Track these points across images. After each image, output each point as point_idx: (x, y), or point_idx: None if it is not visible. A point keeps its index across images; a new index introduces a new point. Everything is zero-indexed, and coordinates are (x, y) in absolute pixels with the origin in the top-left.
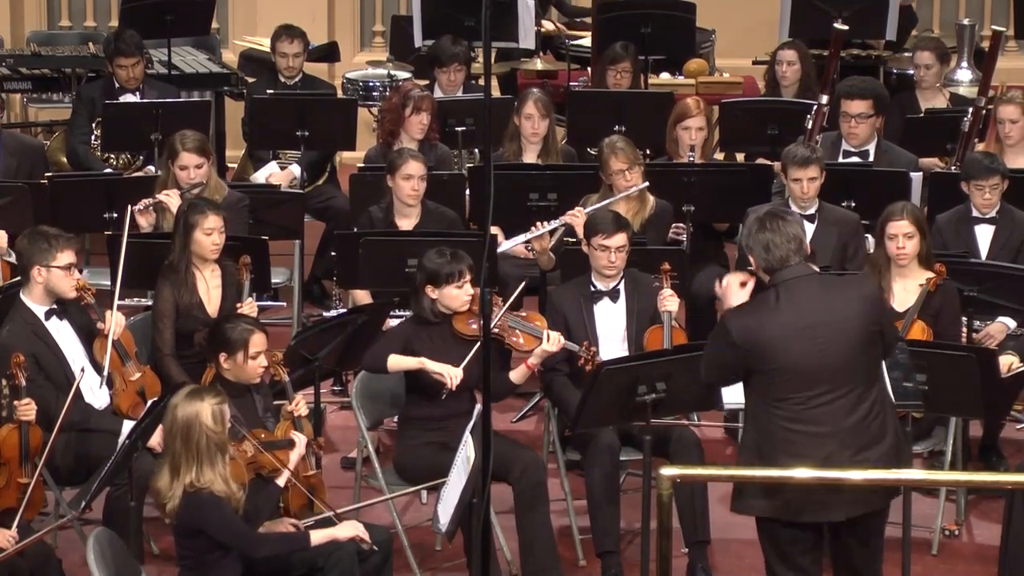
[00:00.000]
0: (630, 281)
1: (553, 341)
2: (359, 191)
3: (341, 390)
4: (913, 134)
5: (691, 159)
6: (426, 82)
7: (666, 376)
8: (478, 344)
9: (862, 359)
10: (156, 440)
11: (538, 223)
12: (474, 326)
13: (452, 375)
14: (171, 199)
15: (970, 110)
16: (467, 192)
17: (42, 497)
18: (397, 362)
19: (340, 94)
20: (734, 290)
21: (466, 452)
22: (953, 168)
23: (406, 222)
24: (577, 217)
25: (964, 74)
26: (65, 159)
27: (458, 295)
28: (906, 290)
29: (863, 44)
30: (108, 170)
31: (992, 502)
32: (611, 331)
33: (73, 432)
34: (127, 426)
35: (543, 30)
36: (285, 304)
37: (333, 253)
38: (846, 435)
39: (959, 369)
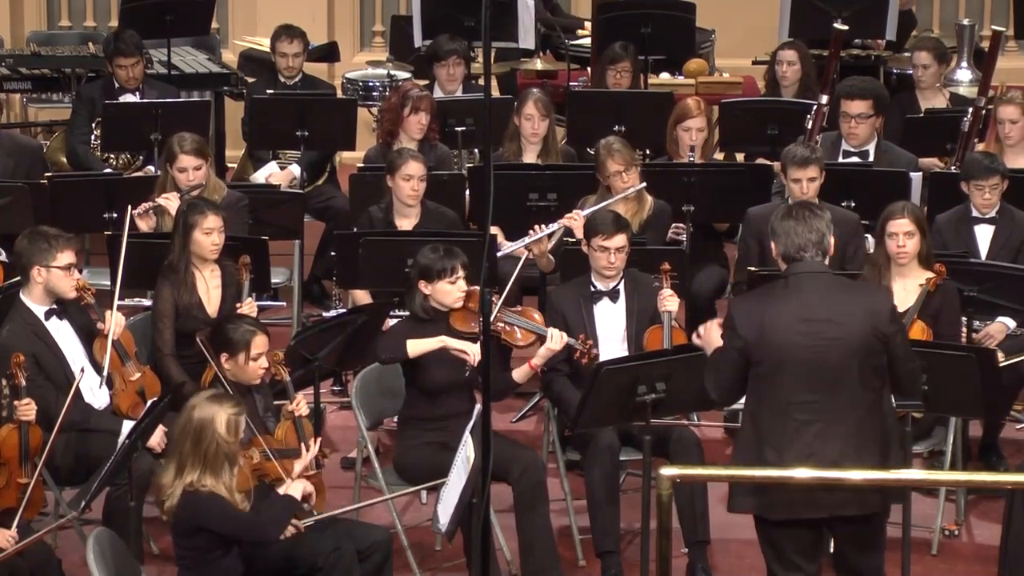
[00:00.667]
0: (630, 281)
1: (556, 339)
2: (359, 191)
3: (341, 390)
4: (913, 134)
5: (691, 159)
6: (426, 82)
7: (666, 376)
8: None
9: (861, 365)
10: (156, 440)
11: (536, 227)
12: (472, 324)
13: (473, 352)
14: (170, 202)
15: (970, 110)
16: (467, 192)
17: (42, 497)
18: (417, 346)
19: (340, 94)
20: (715, 333)
21: (466, 452)
22: (953, 168)
23: (406, 222)
24: (575, 220)
25: (964, 74)
26: (65, 159)
27: (451, 291)
28: (906, 290)
29: (863, 44)
30: (108, 170)
31: (992, 502)
32: (611, 331)
33: (73, 432)
34: (127, 426)
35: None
36: (285, 304)
37: (333, 253)
38: (835, 437)
39: (959, 369)
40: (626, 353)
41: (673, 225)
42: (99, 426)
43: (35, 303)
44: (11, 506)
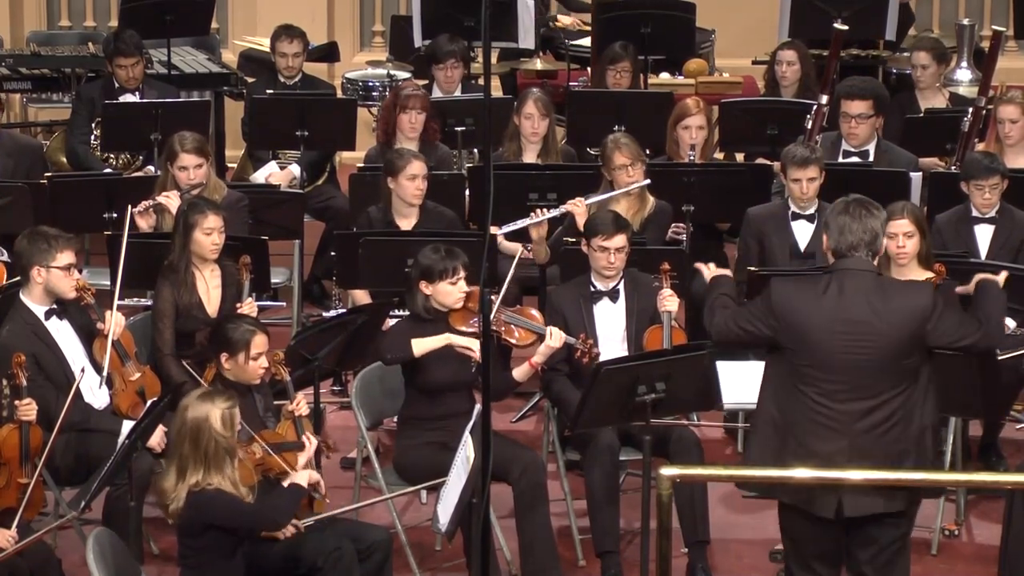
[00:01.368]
0: (630, 281)
1: (556, 337)
2: (359, 191)
3: (341, 390)
4: (913, 134)
5: (691, 159)
6: (425, 82)
7: (666, 376)
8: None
9: (893, 366)
10: (156, 440)
11: (539, 210)
12: (473, 323)
13: (479, 348)
14: (171, 200)
15: (970, 110)
16: (467, 192)
17: (42, 497)
18: (423, 345)
19: (340, 94)
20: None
21: (466, 452)
22: (954, 168)
23: (405, 222)
24: (578, 207)
25: (964, 74)
26: (65, 159)
27: (451, 291)
28: None
29: (863, 44)
30: (108, 170)
31: (992, 502)
32: (611, 331)
33: (73, 432)
34: (127, 426)
35: (559, 24)
36: (285, 304)
37: (333, 253)
38: (855, 436)
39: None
40: (626, 353)
41: (673, 225)
42: (99, 426)
43: (35, 303)
44: (11, 506)
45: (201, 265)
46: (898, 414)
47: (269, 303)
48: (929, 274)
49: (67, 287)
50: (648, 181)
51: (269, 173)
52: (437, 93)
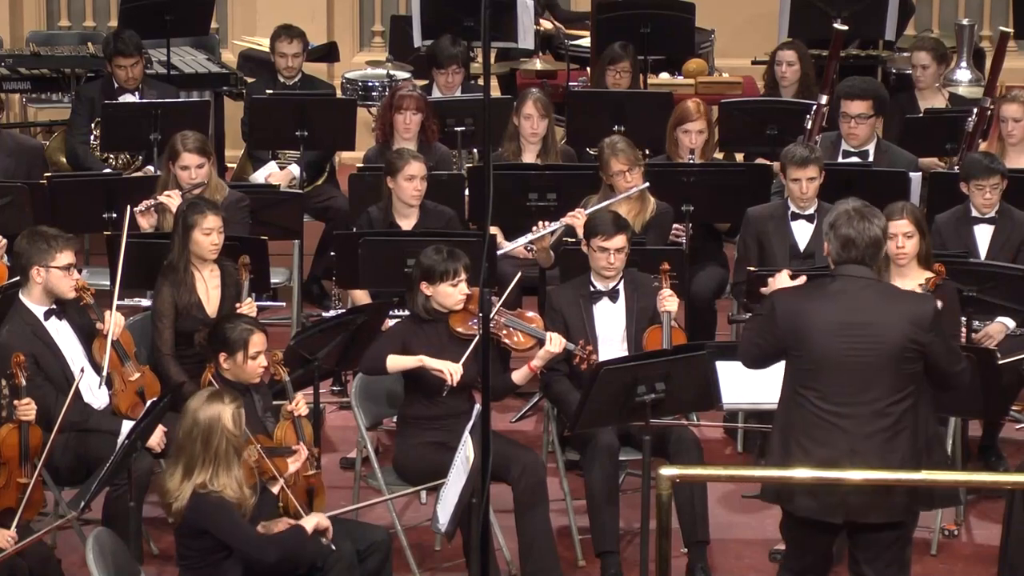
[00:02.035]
0: (629, 281)
1: (556, 343)
2: (358, 191)
3: (340, 390)
4: (913, 134)
5: (691, 161)
6: (425, 82)
7: (665, 376)
8: (475, 340)
9: (895, 371)
10: (156, 440)
11: (540, 223)
12: (471, 325)
13: (452, 371)
14: (172, 200)
15: (975, 110)
16: (466, 192)
17: (42, 497)
18: (396, 362)
19: (339, 94)
20: (782, 283)
21: (465, 452)
22: (955, 168)
23: (405, 222)
24: (578, 218)
25: (963, 74)
26: (64, 159)
27: (452, 293)
28: None
29: (863, 44)
30: (107, 170)
31: (992, 502)
32: (610, 331)
33: (72, 432)
34: (126, 426)
35: (541, 29)
36: (284, 304)
37: (332, 253)
38: (859, 441)
39: None
40: (625, 353)
41: (673, 226)
42: (99, 426)
43: (34, 303)
44: (11, 506)
45: (200, 265)
46: (904, 422)
47: (268, 303)
48: (929, 274)
49: (66, 287)
50: (647, 184)
51: (269, 173)
52: (436, 93)
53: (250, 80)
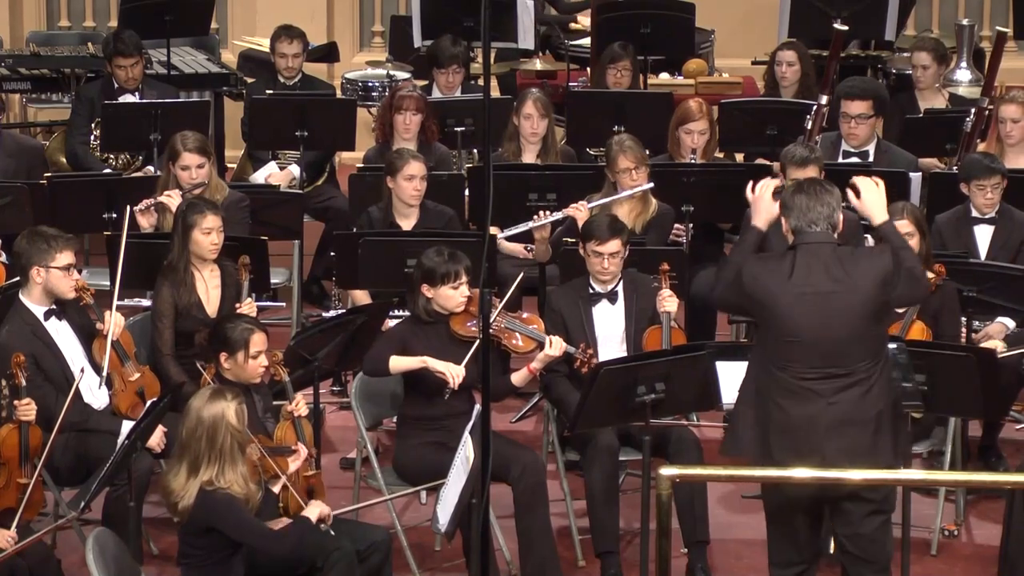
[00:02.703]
0: (629, 282)
1: (556, 346)
2: (358, 191)
3: (340, 390)
4: (913, 134)
5: (692, 161)
6: (425, 82)
7: (665, 376)
8: (476, 343)
9: (869, 334)
10: (155, 440)
11: (541, 212)
12: (472, 327)
13: (455, 373)
14: (172, 200)
15: (973, 110)
16: (466, 192)
17: (42, 497)
18: (399, 363)
19: (339, 94)
20: (764, 200)
21: (465, 452)
22: (955, 168)
23: (405, 222)
24: (580, 211)
25: (963, 74)
26: (64, 159)
27: (453, 296)
28: None
29: (863, 44)
30: (107, 170)
31: (992, 502)
32: (610, 332)
33: (72, 432)
34: (126, 426)
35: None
36: (284, 304)
37: (332, 253)
38: (834, 394)
39: (959, 369)
40: (625, 354)
41: (674, 226)
42: (99, 426)
43: (34, 303)
44: (11, 506)
45: (200, 265)
46: (875, 388)
47: (268, 303)
48: (929, 274)
49: (66, 287)
50: (651, 185)
51: (269, 173)
52: (436, 94)
53: (250, 80)
